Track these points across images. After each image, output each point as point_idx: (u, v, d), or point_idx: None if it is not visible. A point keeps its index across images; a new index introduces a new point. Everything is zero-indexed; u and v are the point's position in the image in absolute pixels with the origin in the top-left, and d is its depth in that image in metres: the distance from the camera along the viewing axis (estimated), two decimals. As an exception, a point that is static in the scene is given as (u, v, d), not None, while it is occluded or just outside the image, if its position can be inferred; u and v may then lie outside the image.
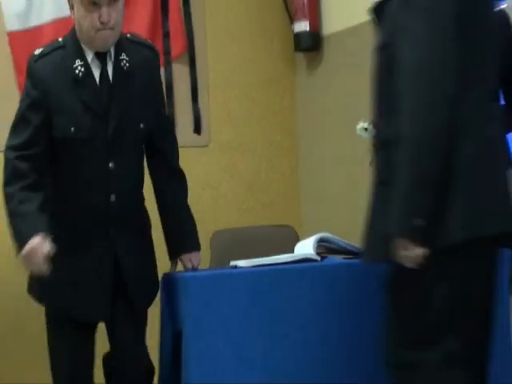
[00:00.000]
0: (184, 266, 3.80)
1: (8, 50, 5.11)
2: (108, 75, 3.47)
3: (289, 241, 4.26)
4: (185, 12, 5.57)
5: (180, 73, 5.39)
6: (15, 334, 5.16)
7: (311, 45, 5.79)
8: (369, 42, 5.31)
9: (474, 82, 3.03)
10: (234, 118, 5.78)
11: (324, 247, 3.97)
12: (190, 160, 5.39)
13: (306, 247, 3.98)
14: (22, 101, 3.54)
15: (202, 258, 4.14)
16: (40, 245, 3.25)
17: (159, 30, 5.38)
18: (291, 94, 6.04)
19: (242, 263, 3.82)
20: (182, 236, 3.81)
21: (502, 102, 4.27)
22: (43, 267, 3.28)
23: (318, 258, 3.87)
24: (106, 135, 3.44)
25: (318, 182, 5.84)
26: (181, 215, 3.83)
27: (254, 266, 3.79)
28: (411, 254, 2.82)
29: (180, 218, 3.83)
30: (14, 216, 3.39)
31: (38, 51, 3.51)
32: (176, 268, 3.86)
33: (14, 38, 5.15)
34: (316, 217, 5.68)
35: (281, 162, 5.89)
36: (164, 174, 3.81)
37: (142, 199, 3.81)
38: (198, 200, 5.28)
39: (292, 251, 3.99)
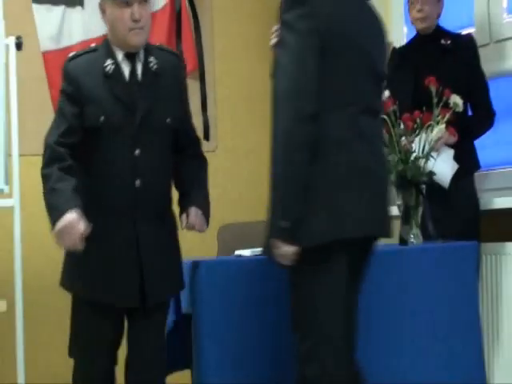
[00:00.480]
0: (182, 222, 3.49)
1: (43, 67, 5.15)
2: (137, 73, 3.36)
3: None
4: (196, 34, 5.59)
5: (191, 87, 5.39)
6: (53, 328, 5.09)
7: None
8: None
9: (341, 103, 3.09)
10: (239, 127, 5.85)
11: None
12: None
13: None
14: (60, 98, 3.42)
15: (209, 250, 4.20)
16: (76, 220, 3.08)
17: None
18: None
19: (245, 253, 3.87)
20: (192, 196, 3.53)
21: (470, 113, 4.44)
22: (78, 243, 3.10)
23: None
24: (133, 125, 3.30)
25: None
26: (196, 184, 3.59)
27: (255, 255, 3.82)
28: (282, 252, 2.97)
29: (194, 185, 3.58)
30: (50, 193, 3.22)
31: (72, 54, 3.45)
32: (185, 224, 3.49)
33: (48, 56, 5.14)
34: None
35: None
36: (187, 159, 3.61)
37: (167, 191, 3.56)
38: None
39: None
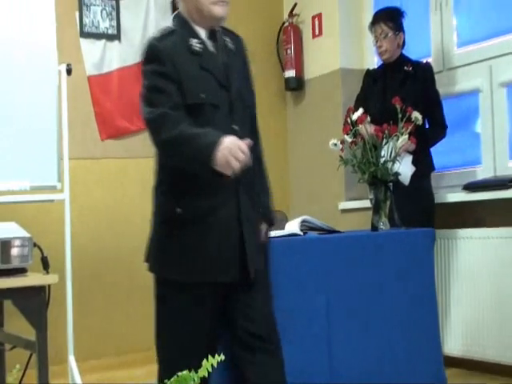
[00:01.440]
0: None
1: (88, 88, 5.15)
2: (220, 51, 2.81)
3: (281, 222, 4.28)
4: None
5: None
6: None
7: (297, 86, 5.85)
8: (338, 84, 5.42)
9: None
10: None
11: (305, 226, 4.03)
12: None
13: (293, 226, 4.04)
14: (148, 81, 2.73)
15: None
16: (233, 141, 2.53)
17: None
18: (283, 122, 6.06)
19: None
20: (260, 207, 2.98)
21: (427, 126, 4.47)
22: (246, 156, 2.53)
23: (302, 233, 3.94)
24: (229, 100, 2.75)
25: (303, 181, 5.89)
26: (262, 187, 3.03)
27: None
28: None
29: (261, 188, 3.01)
30: (188, 141, 2.58)
31: (155, 36, 2.81)
32: None
33: (92, 80, 5.14)
34: (300, 205, 5.74)
35: (276, 168, 5.90)
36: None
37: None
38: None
39: (283, 229, 4.06)
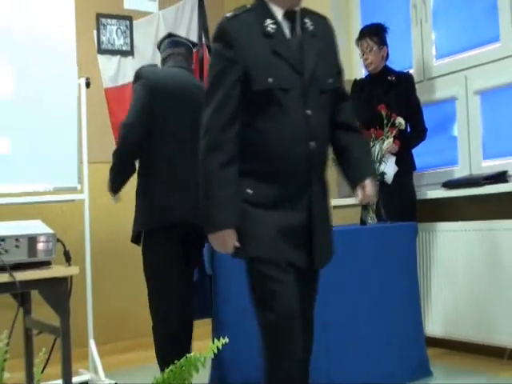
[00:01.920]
0: (358, 194, 2.60)
1: (104, 99, 5.15)
2: (296, 33, 2.45)
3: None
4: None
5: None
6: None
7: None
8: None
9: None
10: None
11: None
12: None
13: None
14: (214, 63, 2.44)
15: None
16: (231, 237, 2.40)
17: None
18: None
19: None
20: (363, 166, 2.62)
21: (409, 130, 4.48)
22: (228, 251, 2.45)
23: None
24: (302, 84, 2.39)
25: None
26: (362, 153, 2.65)
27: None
28: None
29: (361, 153, 2.64)
30: (210, 197, 2.38)
31: (229, 14, 2.46)
32: (362, 197, 2.59)
33: (108, 92, 5.12)
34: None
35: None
36: (342, 131, 2.63)
37: (328, 154, 2.60)
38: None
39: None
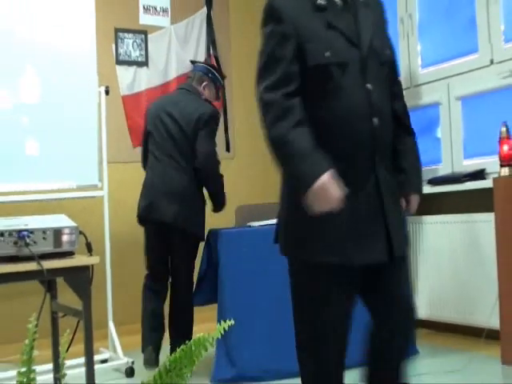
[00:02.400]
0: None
1: (122, 105, 5.15)
2: (348, 3, 2.07)
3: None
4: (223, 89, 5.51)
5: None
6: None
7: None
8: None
9: None
10: (250, 142, 5.77)
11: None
12: (223, 166, 5.47)
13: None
14: (265, 45, 2.04)
15: (229, 223, 4.20)
16: (332, 181, 1.88)
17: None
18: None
19: (254, 224, 3.86)
20: (412, 177, 2.19)
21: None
22: (336, 204, 1.88)
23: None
24: (360, 57, 2.02)
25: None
26: (413, 159, 2.21)
27: (261, 226, 3.82)
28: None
29: (411, 160, 2.20)
30: (291, 157, 1.94)
31: None
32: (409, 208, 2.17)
33: (125, 99, 5.14)
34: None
35: (275, 168, 5.94)
36: (397, 109, 2.22)
37: (392, 135, 2.12)
38: (228, 189, 5.35)
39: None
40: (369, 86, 2.02)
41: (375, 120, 2.00)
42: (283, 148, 1.95)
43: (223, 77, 4.23)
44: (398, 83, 2.28)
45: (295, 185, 1.97)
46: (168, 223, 3.83)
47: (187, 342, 1.26)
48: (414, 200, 2.18)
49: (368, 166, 2.00)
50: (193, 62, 4.46)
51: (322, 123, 1.99)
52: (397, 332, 2.07)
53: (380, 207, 2.01)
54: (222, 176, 4.06)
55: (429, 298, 4.44)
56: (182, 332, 3.84)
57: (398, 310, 2.06)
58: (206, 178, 3.94)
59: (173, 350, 1.58)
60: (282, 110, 1.96)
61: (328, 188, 1.87)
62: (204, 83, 4.07)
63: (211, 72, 4.11)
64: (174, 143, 3.90)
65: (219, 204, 4.09)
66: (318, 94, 2.01)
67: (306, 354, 2.11)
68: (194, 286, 3.91)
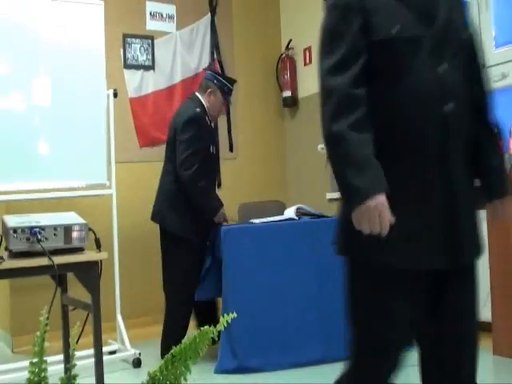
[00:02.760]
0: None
1: (129, 108, 5.15)
2: None
3: (280, 209, 4.29)
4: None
5: (222, 119, 5.41)
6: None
7: (292, 103, 5.83)
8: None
9: None
10: (251, 144, 5.77)
11: (300, 212, 4.03)
12: (227, 166, 5.49)
13: (289, 212, 4.04)
14: (328, 18, 1.75)
15: (233, 219, 4.20)
16: (386, 206, 1.58)
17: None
18: (281, 132, 6.02)
19: (255, 221, 3.86)
20: (496, 182, 1.79)
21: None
22: (385, 230, 1.59)
23: (297, 218, 3.94)
24: (433, 34, 1.67)
25: (298, 177, 5.87)
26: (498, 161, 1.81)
27: (262, 222, 3.83)
28: None
29: (496, 163, 1.80)
30: (347, 162, 1.61)
31: None
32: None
33: (133, 101, 5.14)
34: (295, 196, 5.73)
35: (276, 168, 5.92)
36: (475, 115, 1.76)
37: (469, 125, 1.74)
38: (231, 187, 5.36)
39: (282, 214, 4.06)
40: (442, 67, 1.67)
41: (449, 106, 1.66)
42: (341, 149, 1.63)
43: (232, 81, 4.21)
44: (481, 68, 1.84)
45: (343, 191, 1.67)
46: (152, 219, 4.06)
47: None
48: (501, 205, 1.79)
49: (438, 160, 1.67)
50: (205, 70, 4.51)
51: (385, 110, 1.68)
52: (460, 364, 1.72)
53: (452, 209, 1.68)
54: (197, 184, 3.82)
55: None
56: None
57: (462, 331, 1.72)
58: (183, 185, 3.88)
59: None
60: (346, 103, 1.64)
61: (381, 211, 1.58)
62: (209, 90, 4.08)
63: (216, 78, 4.12)
64: (170, 148, 4.02)
65: (203, 211, 3.93)
66: (382, 76, 1.68)
67: (363, 364, 1.76)
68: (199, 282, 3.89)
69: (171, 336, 3.81)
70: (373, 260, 1.69)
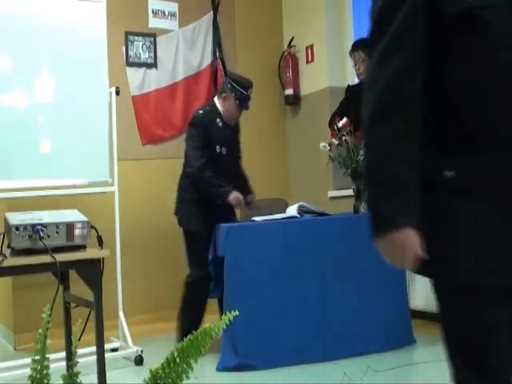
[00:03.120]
0: None
1: (131, 105, 5.15)
2: None
3: (282, 207, 4.30)
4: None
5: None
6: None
7: (294, 101, 5.82)
8: (326, 99, 5.38)
9: None
10: (253, 142, 5.78)
11: (302, 210, 4.04)
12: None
13: (291, 210, 4.05)
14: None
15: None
16: (413, 241, 1.34)
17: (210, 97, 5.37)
18: (284, 129, 6.01)
19: (257, 219, 3.86)
20: None
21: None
22: (410, 266, 1.37)
23: (299, 216, 3.94)
24: None
25: (300, 175, 5.87)
26: None
27: (264, 220, 3.84)
28: None
29: None
30: (378, 176, 1.35)
31: None
32: None
33: (135, 99, 5.15)
34: (297, 194, 5.73)
35: (278, 165, 5.92)
36: None
37: None
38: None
39: (284, 212, 4.06)
40: None
41: None
42: (376, 158, 1.38)
43: (246, 87, 4.16)
44: None
45: (369, 210, 1.42)
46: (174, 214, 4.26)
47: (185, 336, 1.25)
48: None
49: None
50: (226, 75, 4.67)
51: (464, 94, 1.34)
52: None
53: None
54: (202, 176, 4.02)
55: (425, 289, 4.42)
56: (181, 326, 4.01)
57: None
58: (190, 177, 4.11)
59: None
60: (392, 101, 1.35)
61: (406, 247, 1.34)
62: (223, 94, 4.20)
63: (230, 83, 4.14)
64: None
65: (215, 197, 4.05)
66: (455, 56, 1.35)
67: None
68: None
69: (190, 308, 4.01)
70: (464, 279, 1.36)
